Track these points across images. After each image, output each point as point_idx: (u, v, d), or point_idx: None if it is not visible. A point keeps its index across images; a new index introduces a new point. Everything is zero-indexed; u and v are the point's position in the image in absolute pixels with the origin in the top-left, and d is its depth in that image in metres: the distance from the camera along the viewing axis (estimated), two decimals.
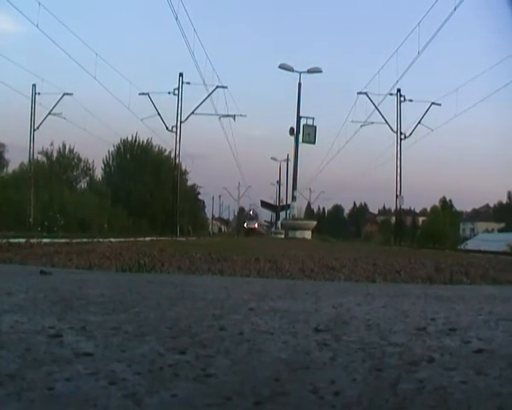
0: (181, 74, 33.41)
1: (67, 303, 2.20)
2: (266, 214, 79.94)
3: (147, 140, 45.53)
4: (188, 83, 33.48)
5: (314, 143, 33.40)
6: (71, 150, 43.11)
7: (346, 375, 1.27)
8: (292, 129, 34.46)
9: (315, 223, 36.98)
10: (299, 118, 33.68)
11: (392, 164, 34.64)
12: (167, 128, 33.54)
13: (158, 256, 5.12)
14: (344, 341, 1.65)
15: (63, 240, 7.30)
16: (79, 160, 43.85)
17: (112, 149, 44.97)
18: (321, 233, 54.28)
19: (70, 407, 1.00)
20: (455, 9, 23.61)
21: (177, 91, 33.21)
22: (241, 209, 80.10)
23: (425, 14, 27.56)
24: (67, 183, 40.05)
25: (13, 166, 41.74)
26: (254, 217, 76.80)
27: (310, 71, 34.82)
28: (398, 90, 34.25)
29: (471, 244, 37.10)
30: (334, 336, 1.72)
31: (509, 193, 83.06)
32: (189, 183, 51.62)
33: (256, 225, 65.48)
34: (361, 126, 35.17)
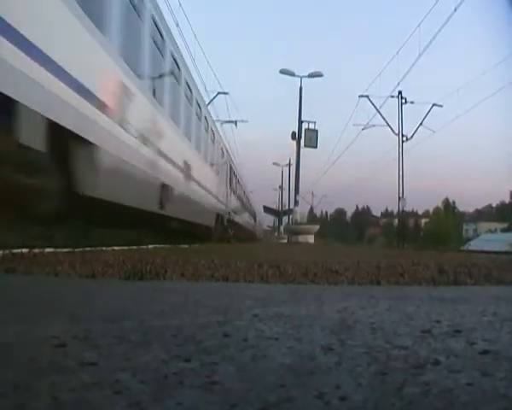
0: None
1: (71, 312, 2.19)
2: (269, 219, 79.33)
3: None
4: None
5: (316, 147, 33.33)
6: None
7: (351, 379, 1.26)
8: (294, 133, 34.40)
9: (317, 227, 36.88)
10: (300, 122, 33.64)
11: (395, 166, 34.68)
12: None
13: (161, 263, 5.11)
14: (348, 345, 1.64)
15: (66, 249, 7.30)
16: None
17: None
18: (324, 237, 54.21)
19: None
20: (455, 10, 23.69)
21: None
22: None
23: (425, 15, 27.61)
24: None
25: None
26: None
27: (311, 75, 34.77)
28: (400, 93, 34.32)
29: (474, 245, 37.03)
30: (338, 340, 1.71)
31: (511, 193, 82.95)
32: None
33: None
34: (362, 129, 35.30)
